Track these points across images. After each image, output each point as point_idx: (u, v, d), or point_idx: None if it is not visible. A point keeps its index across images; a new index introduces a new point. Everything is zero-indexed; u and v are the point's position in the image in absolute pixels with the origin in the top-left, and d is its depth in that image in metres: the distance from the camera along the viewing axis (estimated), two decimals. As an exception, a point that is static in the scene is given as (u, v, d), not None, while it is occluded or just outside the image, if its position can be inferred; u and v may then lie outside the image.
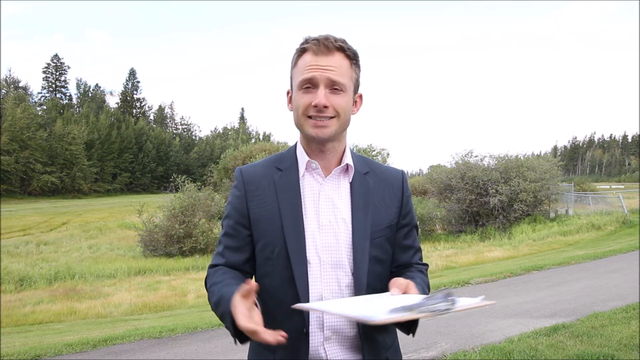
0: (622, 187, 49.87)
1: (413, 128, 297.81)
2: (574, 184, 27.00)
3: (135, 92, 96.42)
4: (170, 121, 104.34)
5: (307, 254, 1.21)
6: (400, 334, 1.27)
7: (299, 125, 1.25)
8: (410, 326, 1.16)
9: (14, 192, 58.50)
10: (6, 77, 76.17)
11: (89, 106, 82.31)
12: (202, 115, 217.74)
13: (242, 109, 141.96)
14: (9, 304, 10.00)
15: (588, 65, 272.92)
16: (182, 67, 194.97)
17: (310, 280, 1.20)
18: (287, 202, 1.24)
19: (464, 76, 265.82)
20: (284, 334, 0.98)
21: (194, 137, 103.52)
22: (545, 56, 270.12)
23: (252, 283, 1.01)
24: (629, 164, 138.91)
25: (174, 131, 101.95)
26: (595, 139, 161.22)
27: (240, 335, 1.07)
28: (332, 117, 1.20)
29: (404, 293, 1.11)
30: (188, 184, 19.02)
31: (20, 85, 78.32)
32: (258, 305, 1.06)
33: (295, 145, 1.34)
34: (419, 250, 1.39)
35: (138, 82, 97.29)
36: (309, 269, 1.20)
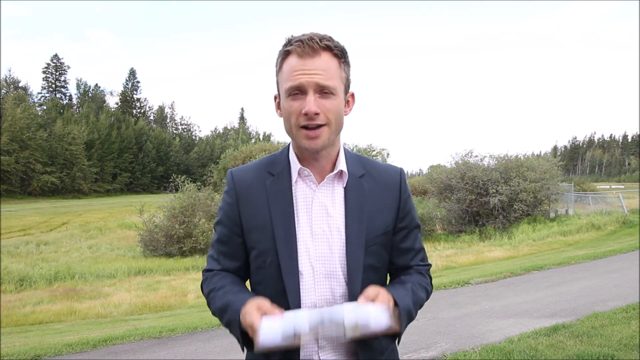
0: (622, 187, 49.83)
1: (413, 128, 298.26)
2: (574, 184, 27.02)
3: (135, 92, 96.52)
4: (170, 121, 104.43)
5: (300, 265, 1.18)
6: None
7: (290, 135, 1.20)
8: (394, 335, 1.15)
9: (14, 192, 58.52)
10: (6, 77, 76.34)
11: (89, 106, 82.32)
12: (202, 115, 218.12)
13: (242, 109, 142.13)
14: (9, 304, 9.99)
15: (588, 66, 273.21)
16: (182, 67, 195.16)
17: (303, 290, 1.18)
18: (279, 210, 1.20)
19: (464, 76, 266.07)
20: None
21: (194, 137, 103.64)
22: (545, 56, 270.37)
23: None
24: (629, 164, 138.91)
25: (174, 131, 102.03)
26: (595, 139, 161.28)
27: (247, 342, 1.10)
28: (323, 125, 1.14)
29: (372, 301, 1.09)
30: (188, 184, 19.00)
31: (20, 85, 78.45)
32: None
33: (288, 147, 1.29)
34: (421, 250, 1.35)
35: (138, 82, 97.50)
36: (301, 279, 1.18)
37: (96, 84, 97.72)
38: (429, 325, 5.23)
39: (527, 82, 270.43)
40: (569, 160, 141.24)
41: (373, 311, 1.03)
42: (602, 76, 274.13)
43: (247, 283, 1.34)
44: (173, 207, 17.82)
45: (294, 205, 1.22)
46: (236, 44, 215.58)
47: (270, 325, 1.00)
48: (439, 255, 14.58)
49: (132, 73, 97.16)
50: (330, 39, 1.16)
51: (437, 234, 21.23)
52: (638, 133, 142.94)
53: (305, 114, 1.12)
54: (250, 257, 1.26)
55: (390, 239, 1.28)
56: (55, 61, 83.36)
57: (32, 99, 78.34)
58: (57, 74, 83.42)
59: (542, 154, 39.72)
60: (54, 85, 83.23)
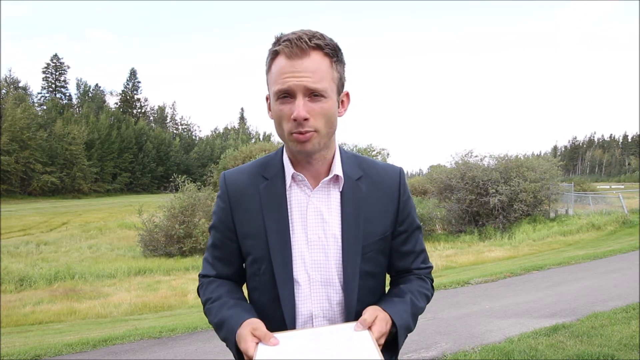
0: (622, 187, 49.84)
1: (413, 128, 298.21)
2: (574, 184, 27.01)
3: (135, 92, 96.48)
4: (170, 121, 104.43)
5: (295, 273, 1.16)
6: None
7: (282, 138, 1.15)
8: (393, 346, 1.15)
9: (14, 192, 58.52)
10: (6, 77, 76.35)
11: (89, 106, 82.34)
12: (202, 115, 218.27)
13: (242, 109, 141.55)
14: (9, 304, 9.99)
15: (588, 66, 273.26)
16: (182, 67, 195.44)
17: (300, 298, 1.16)
18: (273, 216, 1.16)
19: (464, 76, 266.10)
20: None
21: (194, 137, 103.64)
22: (545, 56, 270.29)
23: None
24: (629, 164, 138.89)
25: (174, 131, 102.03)
26: (595, 139, 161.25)
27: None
28: (314, 130, 1.09)
29: (368, 328, 1.07)
30: (188, 184, 18.98)
31: (20, 85, 78.46)
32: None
33: (282, 150, 1.24)
34: (422, 252, 1.32)
35: (139, 82, 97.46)
36: (297, 288, 1.16)
37: (96, 84, 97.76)
38: (429, 325, 5.23)
39: (527, 82, 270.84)
40: (569, 160, 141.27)
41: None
42: (602, 76, 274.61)
43: (244, 287, 1.34)
44: (173, 207, 17.81)
45: (289, 211, 1.18)
46: (236, 44, 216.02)
47: (264, 355, 1.00)
48: (439, 255, 14.60)
49: (133, 73, 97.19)
50: (321, 36, 1.09)
51: (437, 234, 21.23)
52: (638, 133, 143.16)
53: (295, 120, 1.07)
54: (246, 262, 1.25)
55: (388, 244, 1.25)
56: (55, 61, 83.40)
57: (32, 99, 78.41)
58: (57, 74, 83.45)
59: (542, 154, 39.74)
60: (54, 85, 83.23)
